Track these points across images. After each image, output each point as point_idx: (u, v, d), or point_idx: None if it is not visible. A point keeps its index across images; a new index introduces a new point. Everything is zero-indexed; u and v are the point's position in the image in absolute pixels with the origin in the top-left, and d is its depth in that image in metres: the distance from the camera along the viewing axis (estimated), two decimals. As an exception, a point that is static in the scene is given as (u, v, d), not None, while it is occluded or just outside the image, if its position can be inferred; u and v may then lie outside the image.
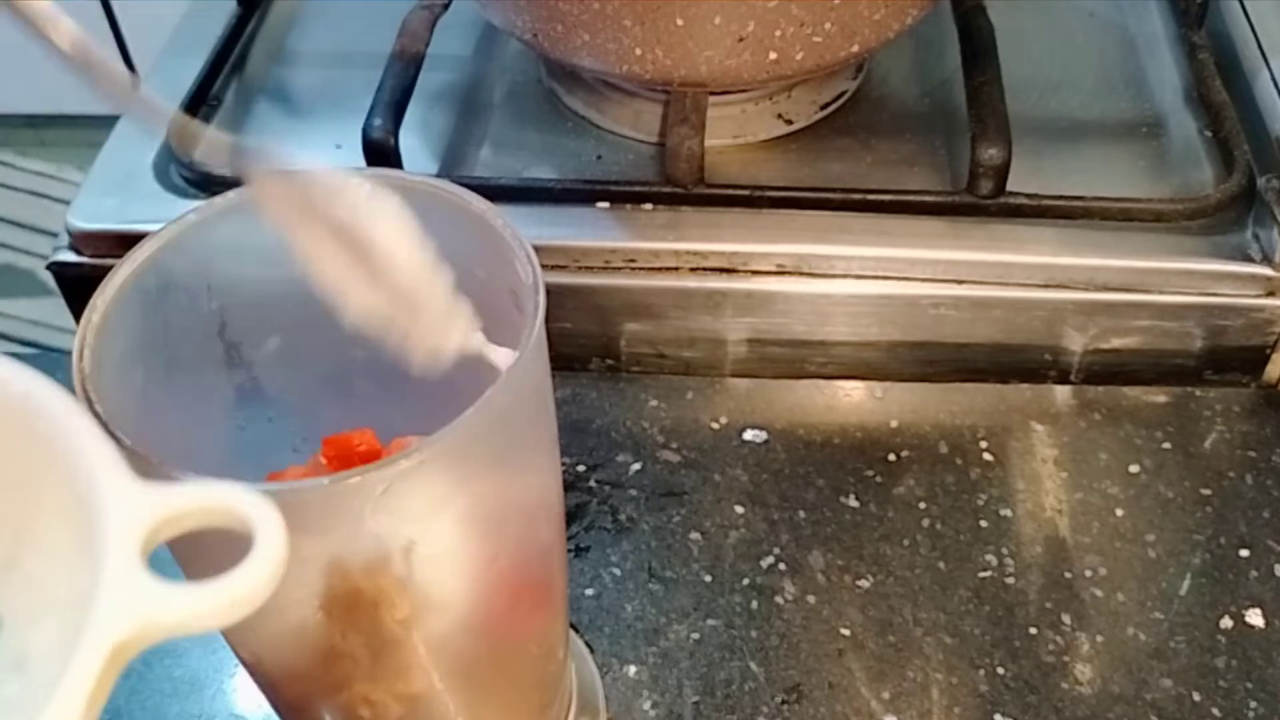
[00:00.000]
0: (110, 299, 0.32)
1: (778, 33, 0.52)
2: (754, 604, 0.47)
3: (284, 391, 0.38)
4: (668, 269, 0.54)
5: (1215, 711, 0.44)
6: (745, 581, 0.48)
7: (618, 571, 0.48)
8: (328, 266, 0.30)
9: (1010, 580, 0.48)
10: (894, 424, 0.53)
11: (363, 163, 0.54)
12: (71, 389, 0.27)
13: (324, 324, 0.36)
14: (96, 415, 0.28)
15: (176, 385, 0.35)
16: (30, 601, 0.26)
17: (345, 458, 0.35)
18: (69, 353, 0.31)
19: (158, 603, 0.22)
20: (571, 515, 0.50)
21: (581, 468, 0.52)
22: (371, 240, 0.30)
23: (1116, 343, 0.54)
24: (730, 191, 0.55)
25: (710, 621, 0.47)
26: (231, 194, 0.34)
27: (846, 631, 0.46)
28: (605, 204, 0.55)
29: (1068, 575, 0.48)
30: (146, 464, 0.27)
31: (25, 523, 0.26)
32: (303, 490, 0.28)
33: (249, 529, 0.23)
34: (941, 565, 0.48)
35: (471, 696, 0.37)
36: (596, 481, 0.51)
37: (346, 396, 0.38)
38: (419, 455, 0.28)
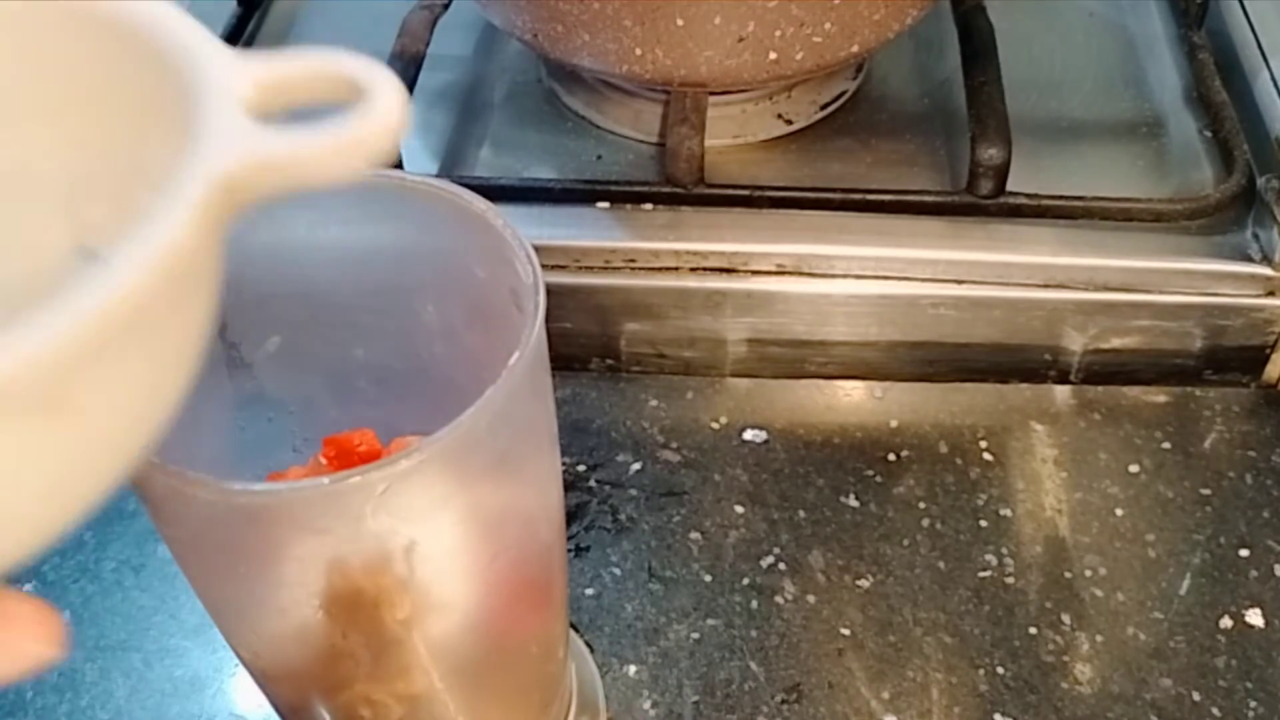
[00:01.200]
0: (110, 299, 0.32)
1: (778, 33, 0.52)
2: (754, 604, 0.47)
3: (284, 391, 0.38)
4: (668, 269, 0.54)
5: (1215, 711, 0.44)
6: (745, 581, 0.48)
7: (618, 571, 0.48)
8: None
9: (1010, 580, 0.48)
10: (894, 424, 0.53)
11: (363, 163, 0.54)
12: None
13: (324, 324, 0.37)
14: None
15: (177, 385, 0.35)
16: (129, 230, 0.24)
17: (345, 458, 0.35)
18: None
19: (267, 135, 0.19)
20: (571, 515, 0.50)
21: (581, 468, 0.52)
22: None
23: (1116, 343, 0.55)
24: (730, 191, 0.55)
25: (710, 621, 0.47)
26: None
27: (846, 631, 0.46)
28: (605, 204, 0.55)
29: (1067, 575, 0.48)
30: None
31: (127, 151, 0.23)
32: (303, 490, 0.29)
33: (361, 87, 0.20)
34: (941, 565, 0.48)
35: (472, 696, 0.37)
36: (596, 481, 0.51)
37: (346, 396, 0.38)
38: (419, 455, 0.28)
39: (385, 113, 0.20)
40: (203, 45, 0.21)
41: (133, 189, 0.23)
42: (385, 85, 0.20)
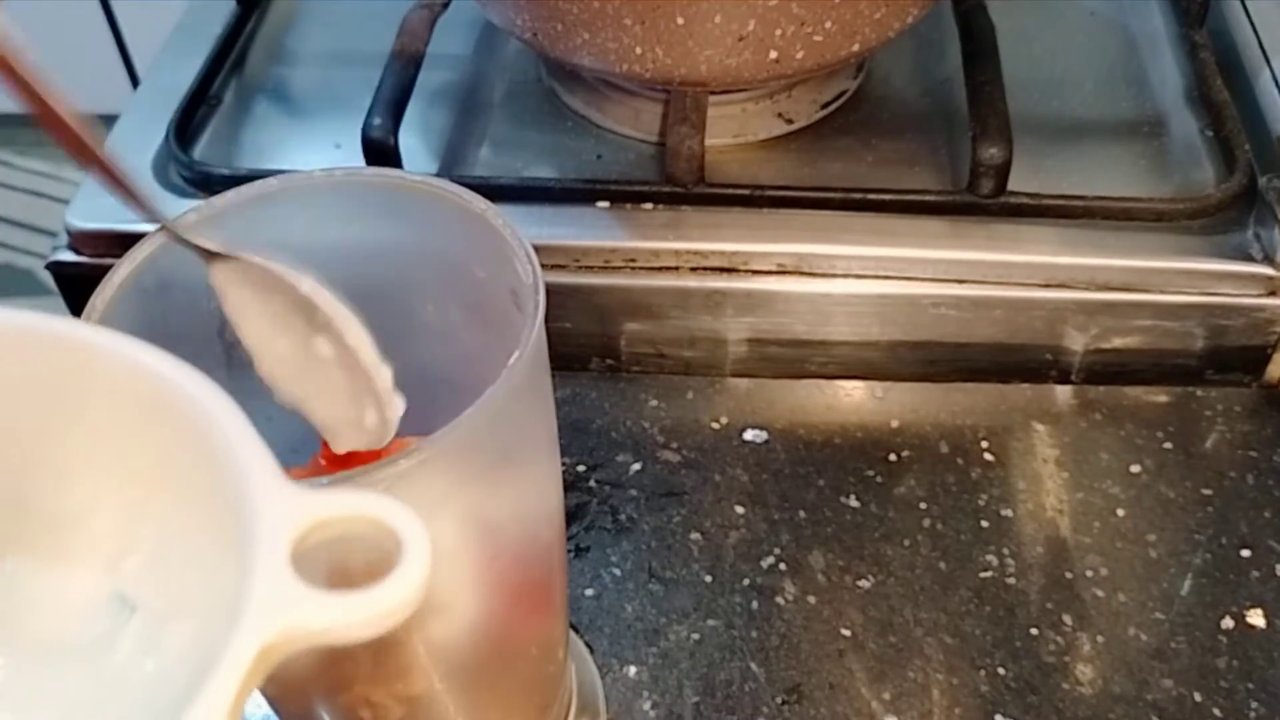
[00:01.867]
0: (109, 298, 0.32)
1: (778, 32, 0.52)
2: (754, 604, 0.47)
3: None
4: (668, 269, 0.54)
5: (1216, 712, 0.44)
6: (745, 582, 0.48)
7: (618, 572, 0.48)
8: (274, 348, 0.33)
9: (1011, 580, 0.48)
10: (895, 424, 0.53)
11: (362, 162, 0.54)
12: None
13: (323, 324, 0.36)
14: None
15: (176, 385, 0.35)
16: (167, 597, 0.26)
17: (345, 458, 0.35)
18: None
19: (307, 608, 0.22)
20: (571, 515, 0.50)
21: (581, 468, 0.52)
22: (331, 317, 0.32)
23: (1118, 342, 0.54)
24: (730, 191, 0.55)
25: (710, 622, 0.46)
26: (231, 193, 0.34)
27: (847, 632, 0.46)
28: (605, 203, 0.55)
29: (1069, 575, 0.48)
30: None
31: (169, 516, 0.26)
32: (302, 491, 0.28)
33: (397, 540, 0.23)
34: (942, 565, 0.48)
35: (472, 697, 0.37)
36: (596, 481, 0.51)
37: (346, 396, 0.38)
38: (419, 455, 0.28)
39: (414, 580, 0.23)
40: (263, 474, 0.24)
41: (172, 552, 0.26)
42: (418, 550, 0.23)
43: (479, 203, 0.33)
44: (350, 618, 0.22)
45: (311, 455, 0.37)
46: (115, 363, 0.25)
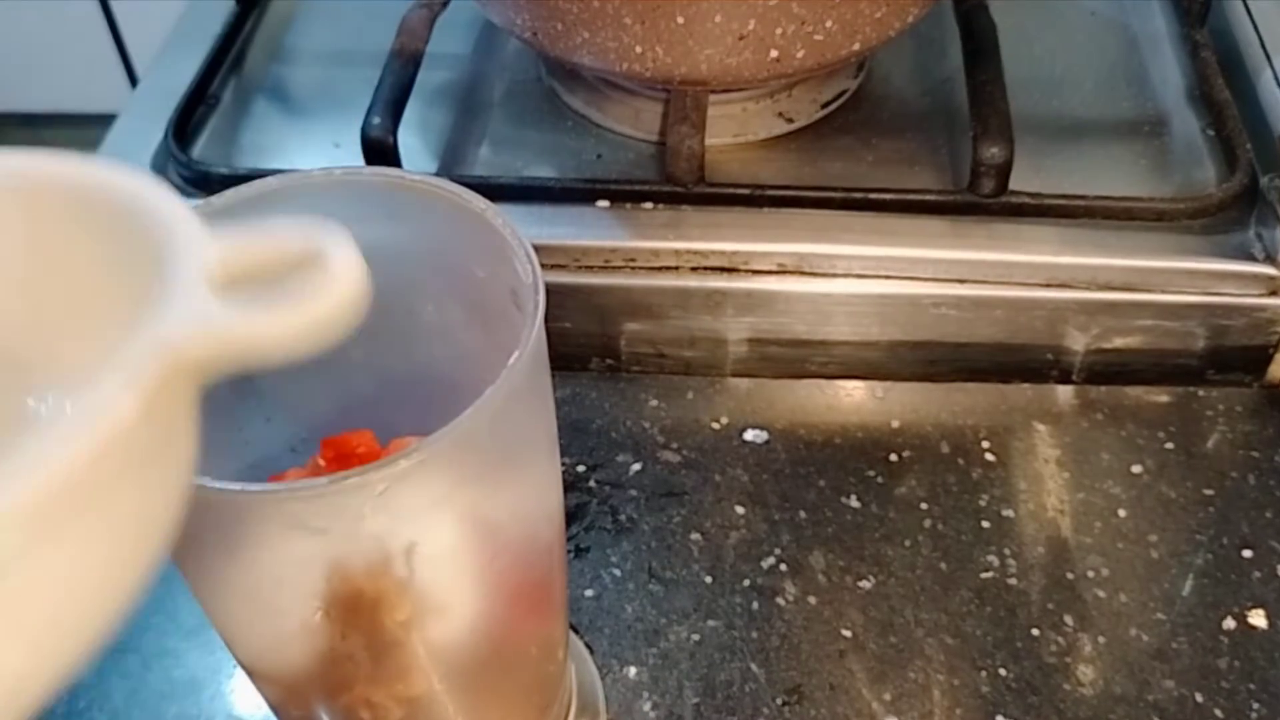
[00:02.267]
0: (107, 298, 0.31)
1: (779, 31, 0.52)
2: (755, 605, 0.47)
3: (281, 392, 0.38)
4: (668, 268, 0.54)
5: (1218, 713, 0.43)
6: (746, 582, 0.48)
7: (618, 572, 0.48)
8: None
9: (1012, 581, 0.47)
10: (895, 424, 0.53)
11: (362, 161, 0.54)
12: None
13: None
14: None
15: (174, 385, 0.35)
16: None
17: (344, 459, 0.35)
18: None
19: (231, 314, 0.20)
20: (571, 515, 0.50)
21: (581, 468, 0.51)
22: None
23: (1119, 342, 0.54)
24: (731, 190, 0.55)
25: (711, 622, 0.46)
26: (230, 193, 0.34)
27: (848, 632, 0.46)
28: (605, 203, 0.55)
29: (1070, 576, 0.47)
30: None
31: (121, 326, 0.24)
32: (301, 490, 0.28)
33: (320, 251, 0.21)
34: (943, 566, 0.48)
35: (471, 698, 0.37)
36: (596, 481, 0.51)
37: (345, 397, 0.38)
38: (419, 455, 0.28)
39: (343, 290, 0.21)
40: (174, 215, 0.22)
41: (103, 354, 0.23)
42: (342, 262, 0.21)
43: (479, 202, 0.33)
44: (280, 324, 0.20)
45: (310, 456, 0.37)
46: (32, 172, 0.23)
